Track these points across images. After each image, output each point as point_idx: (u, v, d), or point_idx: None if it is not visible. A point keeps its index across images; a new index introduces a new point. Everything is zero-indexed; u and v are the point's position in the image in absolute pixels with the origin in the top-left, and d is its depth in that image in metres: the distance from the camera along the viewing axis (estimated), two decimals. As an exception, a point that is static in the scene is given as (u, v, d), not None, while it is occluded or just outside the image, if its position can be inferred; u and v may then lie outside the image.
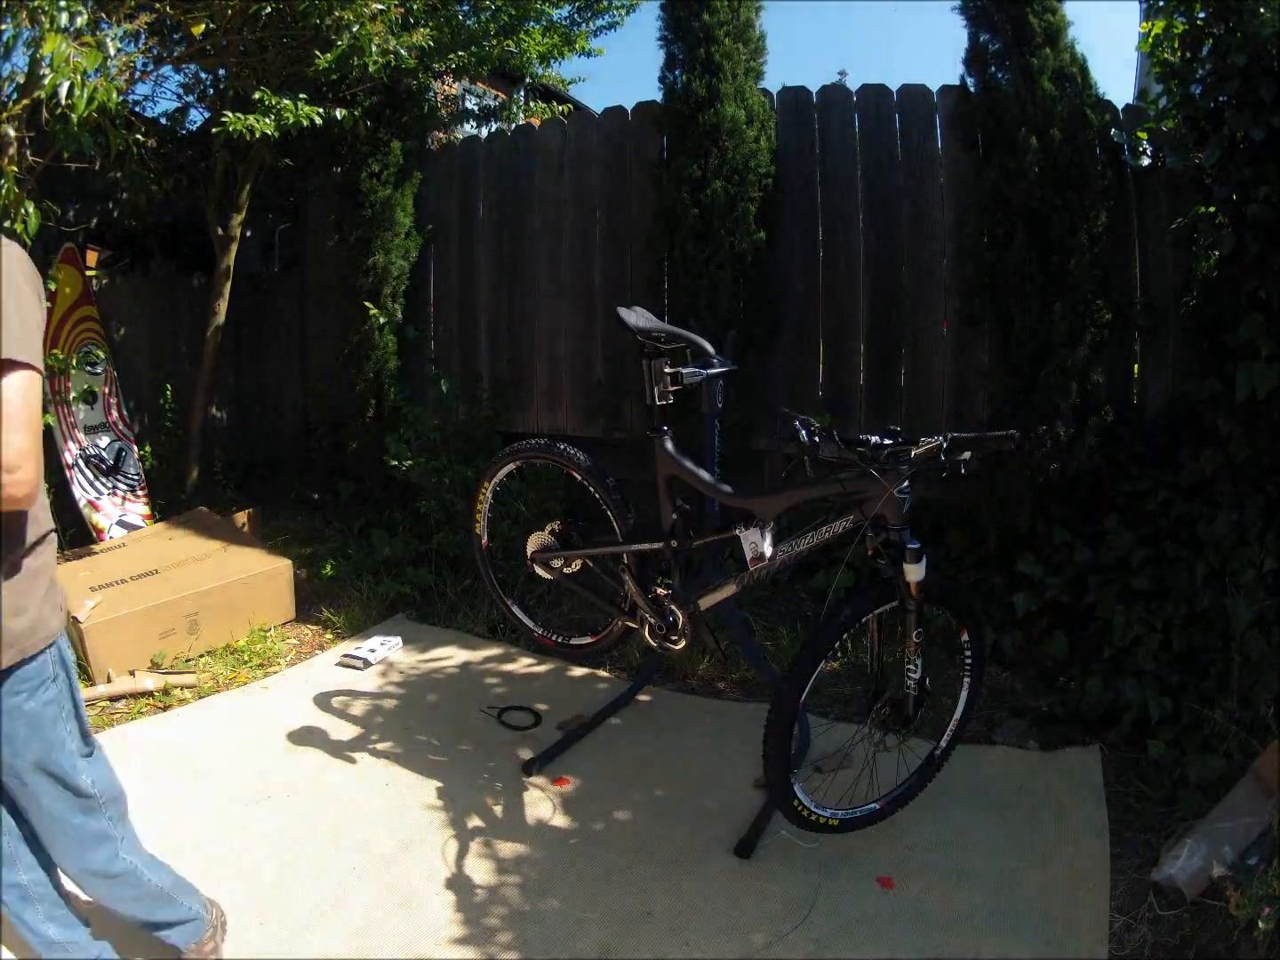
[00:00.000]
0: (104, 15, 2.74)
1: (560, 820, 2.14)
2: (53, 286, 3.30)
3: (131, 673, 2.74)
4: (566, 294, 3.79)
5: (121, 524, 3.45)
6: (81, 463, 3.40)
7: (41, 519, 1.30)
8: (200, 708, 2.66)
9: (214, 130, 3.14)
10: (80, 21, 2.36)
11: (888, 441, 1.78)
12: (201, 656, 2.94)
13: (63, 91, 2.30)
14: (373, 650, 2.99)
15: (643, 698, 2.71)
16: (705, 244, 3.08)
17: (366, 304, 3.69)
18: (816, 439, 1.82)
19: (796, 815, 1.92)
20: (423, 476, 3.50)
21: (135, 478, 3.59)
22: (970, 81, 2.86)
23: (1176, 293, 2.88)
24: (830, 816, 1.96)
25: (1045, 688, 2.63)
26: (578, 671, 2.94)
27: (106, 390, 3.57)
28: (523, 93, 5.24)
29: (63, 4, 2.32)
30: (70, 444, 3.37)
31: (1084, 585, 2.65)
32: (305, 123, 3.14)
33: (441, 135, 4.32)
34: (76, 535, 3.36)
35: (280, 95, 3.12)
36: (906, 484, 1.81)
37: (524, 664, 2.99)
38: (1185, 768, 2.11)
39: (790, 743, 1.91)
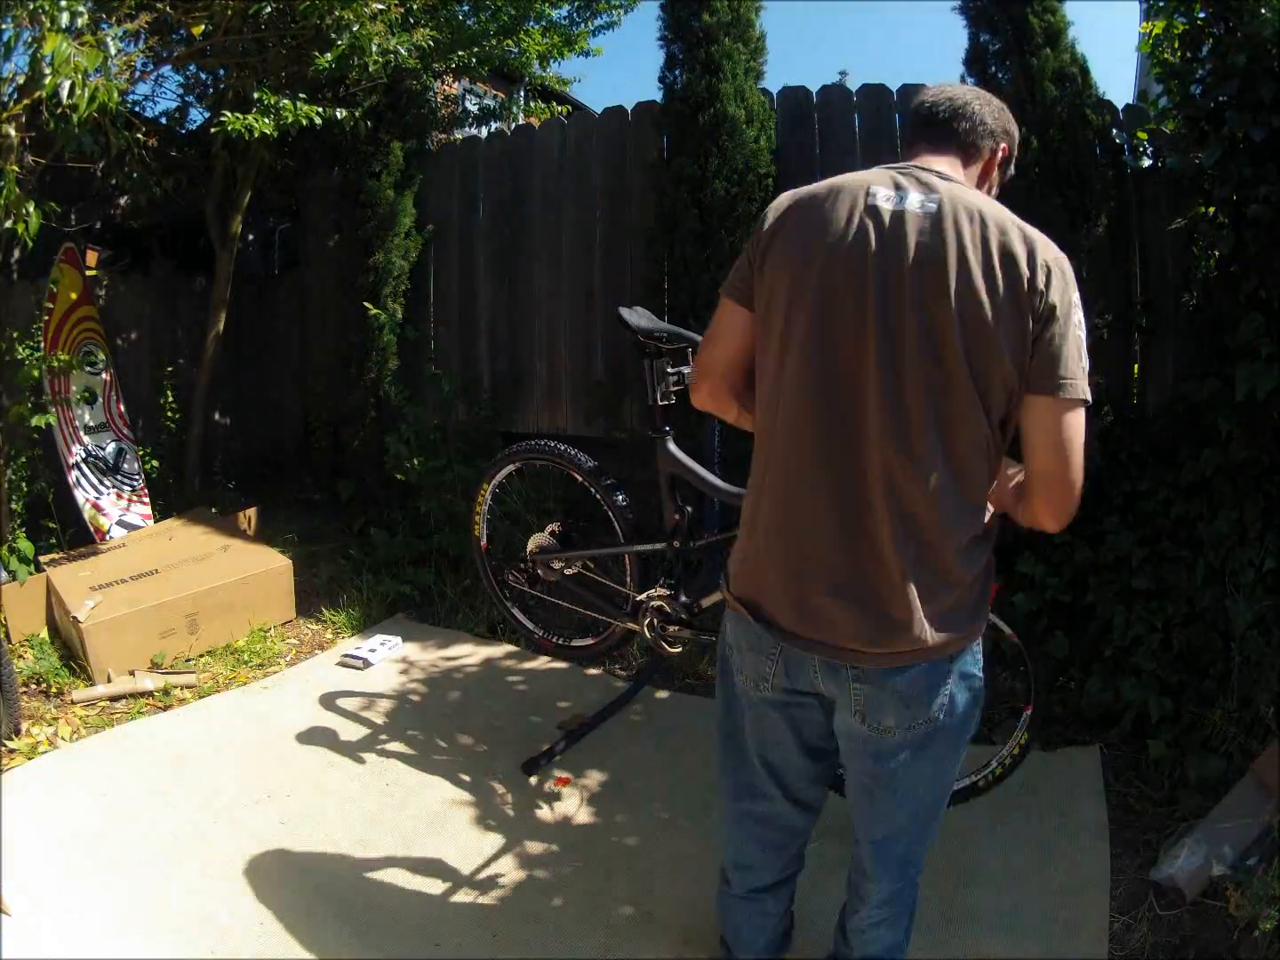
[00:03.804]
0: (104, 15, 2.74)
1: (561, 820, 2.14)
2: (53, 287, 3.30)
3: (131, 673, 2.74)
4: (566, 294, 3.78)
5: (122, 524, 3.45)
6: (84, 464, 3.40)
7: None
8: (200, 708, 2.66)
9: (213, 130, 3.14)
10: (80, 21, 2.36)
11: None
12: (201, 656, 2.94)
13: (64, 91, 2.29)
14: (373, 650, 2.99)
15: (644, 698, 2.71)
16: (705, 244, 3.08)
17: (366, 304, 3.69)
18: None
19: None
20: (423, 476, 3.50)
21: (135, 478, 3.58)
22: (971, 82, 2.85)
23: (1176, 293, 2.87)
24: None
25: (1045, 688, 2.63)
26: (578, 671, 2.94)
27: (112, 394, 3.57)
28: (522, 93, 5.25)
29: (63, 4, 2.32)
30: (74, 445, 3.37)
31: (1084, 585, 2.65)
32: (304, 122, 3.14)
33: (442, 135, 4.32)
34: (77, 536, 3.36)
35: (280, 95, 3.12)
36: None
37: (525, 664, 2.99)
38: (1185, 768, 2.11)
39: None
